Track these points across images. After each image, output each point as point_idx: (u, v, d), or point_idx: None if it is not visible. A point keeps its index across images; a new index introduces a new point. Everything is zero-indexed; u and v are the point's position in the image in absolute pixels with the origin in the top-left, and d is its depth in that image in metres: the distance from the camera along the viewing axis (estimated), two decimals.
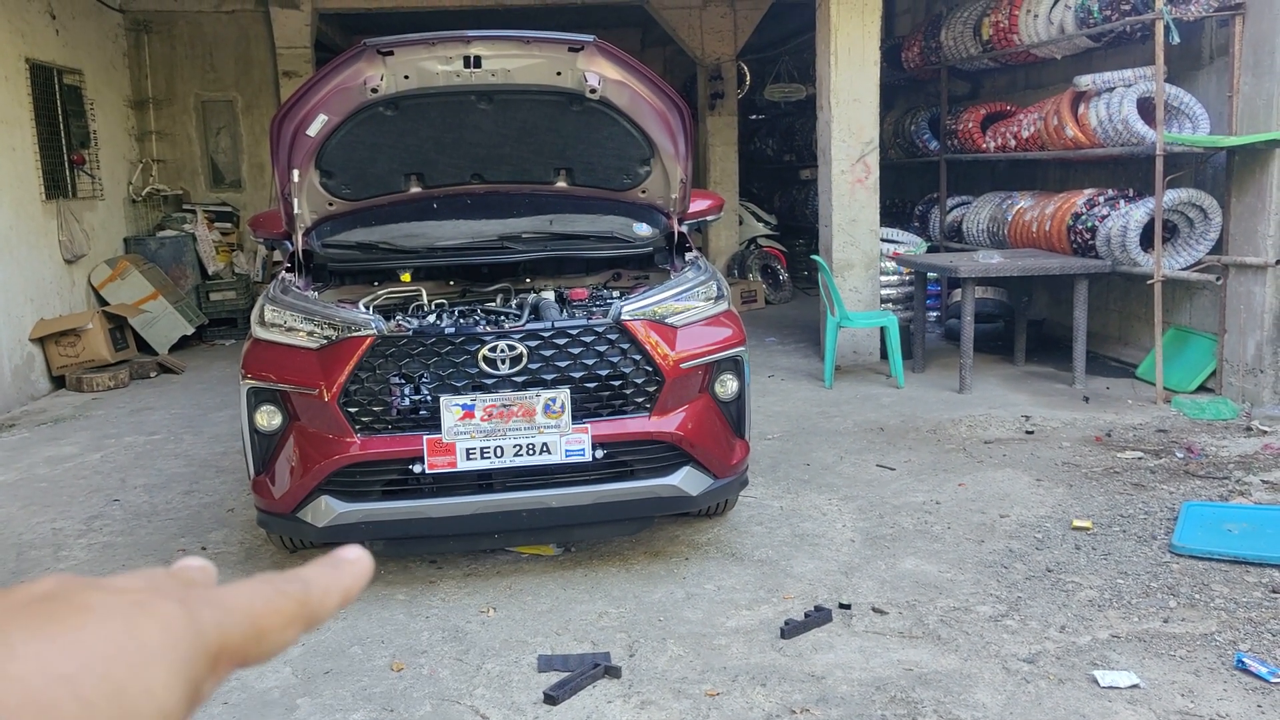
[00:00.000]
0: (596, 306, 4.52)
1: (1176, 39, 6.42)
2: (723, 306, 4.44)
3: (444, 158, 4.72)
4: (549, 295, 4.77)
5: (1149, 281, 6.77)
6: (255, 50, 11.67)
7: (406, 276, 4.75)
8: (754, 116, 15.34)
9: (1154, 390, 6.90)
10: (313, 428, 4.07)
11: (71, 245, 9.38)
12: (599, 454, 4.08)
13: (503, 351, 4.00)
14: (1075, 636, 3.73)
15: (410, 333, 4.00)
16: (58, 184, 9.34)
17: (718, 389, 4.35)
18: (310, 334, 4.09)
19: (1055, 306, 8.93)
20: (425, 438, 3.97)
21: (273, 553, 4.75)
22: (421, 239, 4.85)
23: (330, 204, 4.78)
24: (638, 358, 4.12)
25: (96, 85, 10.34)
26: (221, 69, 11.67)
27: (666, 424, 4.16)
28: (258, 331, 4.23)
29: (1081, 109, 7.38)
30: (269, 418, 4.13)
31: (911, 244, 8.93)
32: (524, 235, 4.90)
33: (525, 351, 4.02)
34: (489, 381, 4.02)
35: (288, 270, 4.72)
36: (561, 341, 4.07)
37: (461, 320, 4.40)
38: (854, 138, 8.07)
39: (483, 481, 4.09)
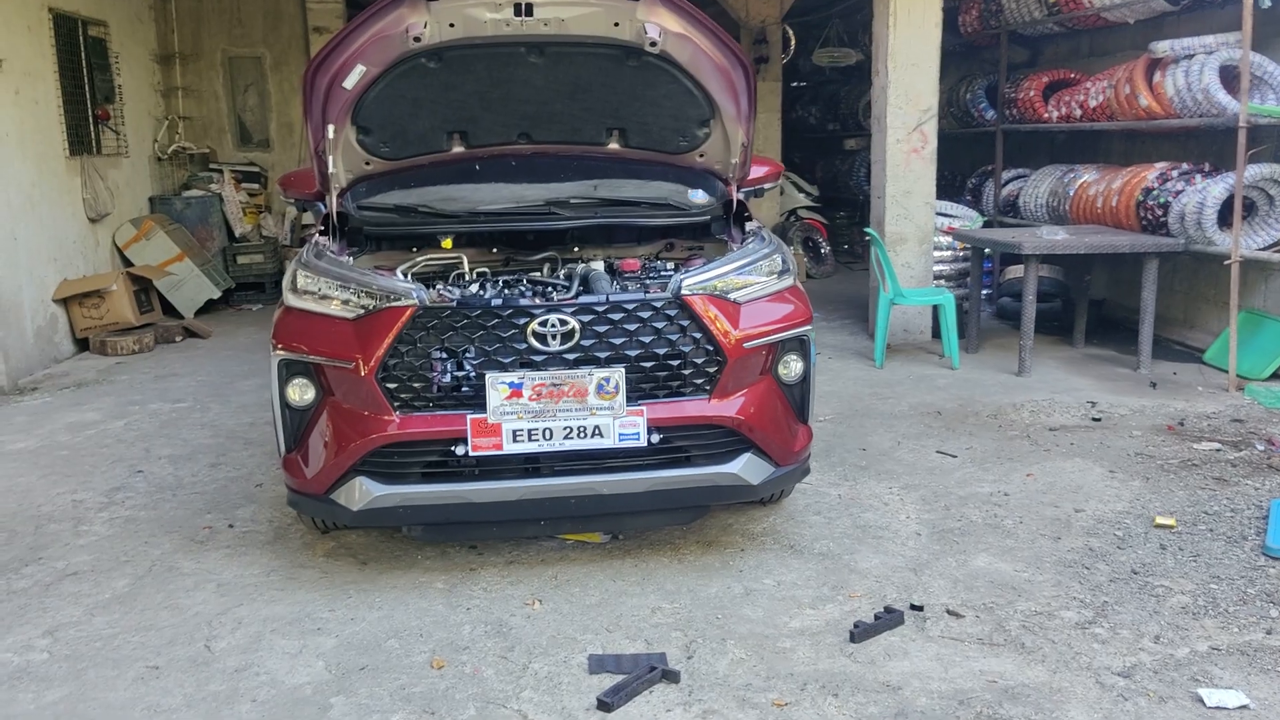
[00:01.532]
0: (651, 279, 4.21)
1: (1268, 2, 6.00)
2: (788, 282, 4.12)
3: (489, 115, 4.40)
4: (599, 266, 4.45)
5: (1226, 262, 6.39)
6: (284, 4, 11.34)
7: (448, 243, 4.44)
8: (795, 84, 14.91)
9: (1225, 377, 6.54)
10: (348, 404, 3.79)
11: (95, 203, 9.13)
12: (655, 439, 3.78)
13: (554, 326, 3.70)
14: (1172, 648, 3.42)
15: (454, 304, 3.70)
16: (82, 140, 9.08)
17: (781, 370, 4.04)
18: (346, 303, 3.80)
19: (1115, 286, 8.54)
20: (469, 418, 3.68)
21: (303, 533, 4.50)
22: (463, 203, 4.54)
23: (367, 163, 4.47)
24: (698, 336, 3.81)
25: (122, 38, 10.04)
26: (249, 24, 11.35)
27: (727, 408, 3.86)
28: (290, 299, 3.95)
29: (1157, 77, 6.97)
30: (301, 392, 3.85)
31: (966, 218, 8.55)
32: (573, 200, 4.58)
33: (578, 327, 3.72)
34: (538, 358, 3.72)
35: (321, 234, 4.42)
36: (617, 317, 3.76)
37: (507, 291, 4.10)
38: (911, 105, 7.68)
39: (529, 465, 3.80)
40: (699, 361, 3.82)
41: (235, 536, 4.52)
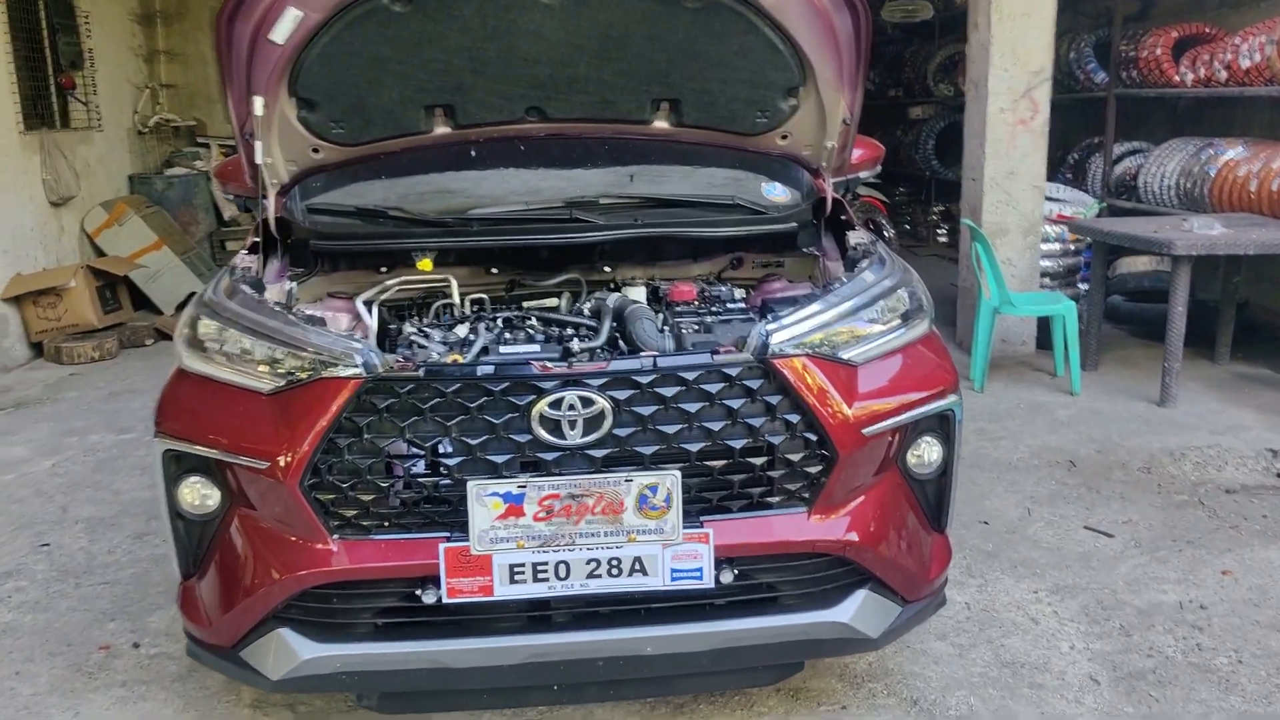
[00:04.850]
0: (715, 313, 2.92)
1: None
2: (921, 328, 2.79)
3: (485, 82, 3.09)
4: (638, 293, 3.17)
5: None
6: None
7: (426, 263, 3.14)
8: None
9: None
10: (265, 520, 2.52)
11: (58, 185, 7.91)
12: (726, 576, 2.49)
13: (572, 407, 2.40)
14: None
15: (420, 373, 2.41)
16: (41, 113, 7.87)
17: (912, 460, 2.72)
18: (263, 367, 2.51)
19: (1256, 285, 7.10)
20: (443, 546, 2.41)
21: None
22: (451, 204, 3.24)
23: (315, 150, 3.18)
24: (794, 418, 2.50)
25: None
26: None
27: (835, 526, 2.56)
28: (185, 358, 2.66)
29: None
30: (199, 495, 2.59)
31: (1079, 204, 7.13)
32: (603, 200, 3.26)
33: (609, 408, 2.41)
34: (549, 456, 2.43)
35: (250, 251, 3.15)
36: (670, 391, 2.45)
37: (507, 337, 2.82)
38: (1019, 65, 6.26)
39: (537, 613, 2.53)
40: (795, 459, 2.51)
41: (137, 664, 3.28)
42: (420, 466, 2.46)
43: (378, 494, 2.43)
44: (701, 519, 2.48)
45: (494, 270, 3.30)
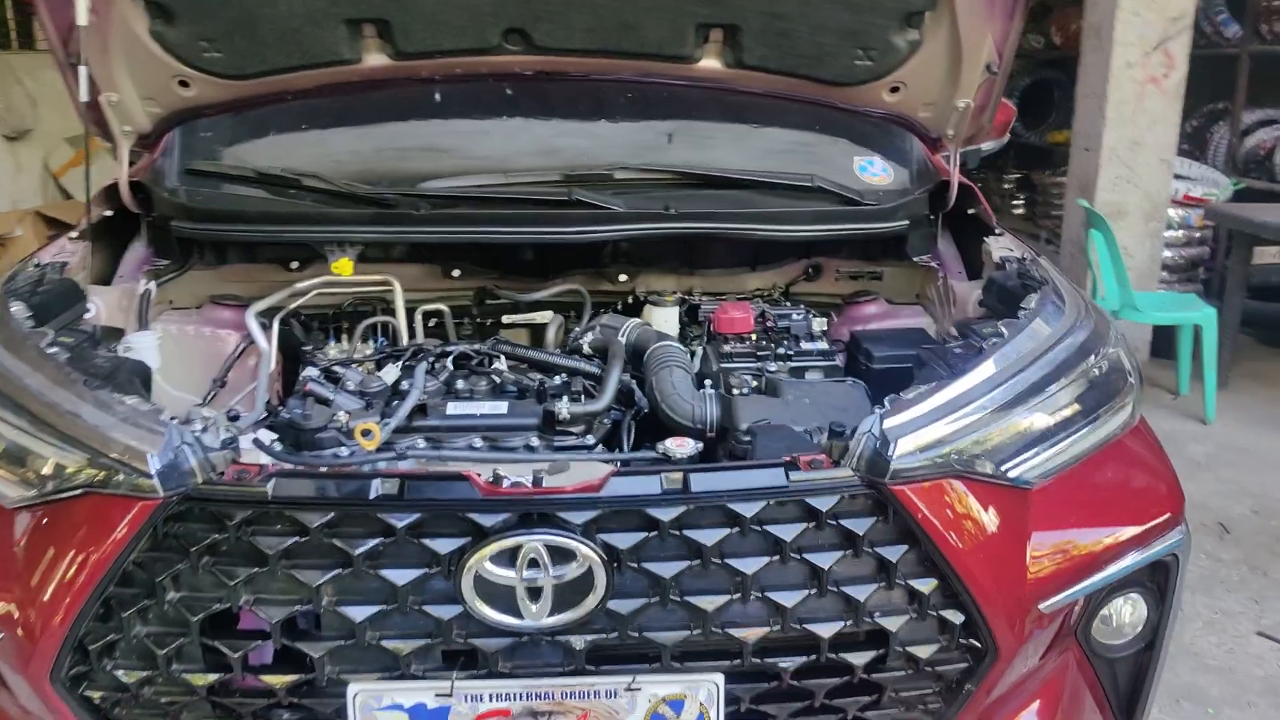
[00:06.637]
0: (788, 363, 1.89)
1: None
2: (1124, 415, 1.70)
3: None
4: (666, 316, 2.12)
5: None
6: None
7: (345, 264, 2.08)
8: None
9: None
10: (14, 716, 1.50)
11: (9, 115, 6.93)
12: None
13: (535, 563, 1.34)
14: None
15: (268, 489, 1.35)
16: None
17: (1101, 629, 1.66)
18: (3, 464, 1.46)
19: None
20: None
21: None
22: (395, 169, 2.18)
23: (183, 84, 2.11)
24: (924, 585, 1.43)
25: None
26: None
27: None
28: None
29: None
30: None
31: (1211, 183, 5.93)
32: (620, 175, 2.17)
33: (600, 563, 1.34)
34: (493, 643, 1.38)
35: (79, 236, 2.12)
36: (707, 535, 1.38)
37: (460, 387, 1.80)
38: (1154, 9, 5.05)
39: None
40: (924, 654, 1.45)
41: None
42: (268, 654, 1.42)
43: (189, 696, 1.39)
44: None
45: (455, 273, 2.24)
